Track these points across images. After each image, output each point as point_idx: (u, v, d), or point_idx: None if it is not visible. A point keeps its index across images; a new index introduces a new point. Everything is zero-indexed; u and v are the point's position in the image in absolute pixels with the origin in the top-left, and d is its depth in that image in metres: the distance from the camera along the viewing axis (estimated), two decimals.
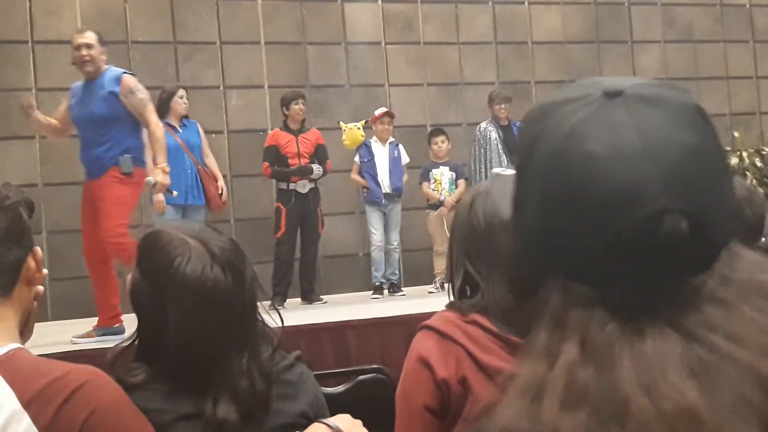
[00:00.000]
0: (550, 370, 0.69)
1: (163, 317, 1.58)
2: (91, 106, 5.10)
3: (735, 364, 0.65)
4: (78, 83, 5.32)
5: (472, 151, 7.85)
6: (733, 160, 9.40)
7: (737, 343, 0.66)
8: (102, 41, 5.24)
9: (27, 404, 1.21)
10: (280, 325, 1.75)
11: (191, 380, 1.58)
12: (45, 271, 1.41)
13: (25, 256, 1.35)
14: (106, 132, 5.07)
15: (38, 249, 1.38)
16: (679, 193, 0.68)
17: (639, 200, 0.68)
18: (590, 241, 0.69)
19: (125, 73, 5.22)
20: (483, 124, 7.81)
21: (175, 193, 5.62)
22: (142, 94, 5.20)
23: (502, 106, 7.74)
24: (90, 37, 5.16)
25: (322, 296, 7.10)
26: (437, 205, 7.44)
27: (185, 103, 6.40)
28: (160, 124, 5.36)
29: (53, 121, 5.37)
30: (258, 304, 1.71)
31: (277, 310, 1.75)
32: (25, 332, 1.38)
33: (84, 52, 5.09)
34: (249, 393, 1.58)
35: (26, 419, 1.20)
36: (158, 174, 5.26)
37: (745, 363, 0.65)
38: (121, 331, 4.97)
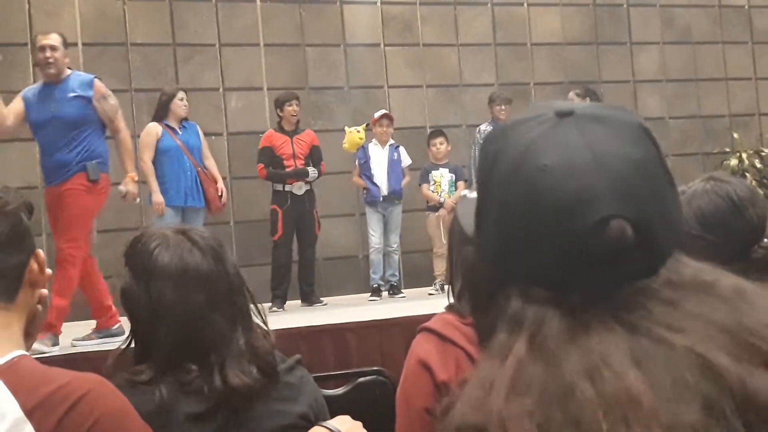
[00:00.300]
0: (502, 365, 0.73)
1: (154, 313, 1.61)
2: (59, 109, 5.00)
3: (676, 350, 0.69)
4: (33, 87, 5.22)
5: (471, 152, 7.86)
6: (733, 162, 9.41)
7: (679, 333, 0.71)
8: (66, 44, 5.19)
9: (30, 413, 1.20)
10: (266, 327, 1.76)
11: (192, 360, 1.61)
12: (48, 271, 1.41)
13: (27, 259, 1.35)
14: (76, 136, 5.00)
15: (40, 252, 1.38)
16: (625, 201, 0.73)
17: (588, 207, 0.73)
18: (544, 247, 0.75)
19: (96, 77, 5.19)
20: (483, 126, 7.82)
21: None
22: (113, 100, 5.19)
23: (503, 107, 7.75)
24: (55, 39, 5.09)
25: (322, 298, 7.10)
26: (437, 206, 7.44)
27: (185, 105, 6.39)
28: (128, 132, 5.35)
29: (3, 108, 5.08)
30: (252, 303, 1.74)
31: (260, 315, 1.75)
32: (30, 334, 1.38)
33: (48, 53, 5.02)
34: (256, 363, 1.63)
35: (29, 428, 1.19)
36: (128, 183, 5.25)
37: (685, 348, 0.69)
38: (121, 332, 4.98)
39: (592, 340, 0.71)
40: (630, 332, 0.71)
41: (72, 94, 5.02)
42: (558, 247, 0.74)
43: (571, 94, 7.61)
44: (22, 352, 1.30)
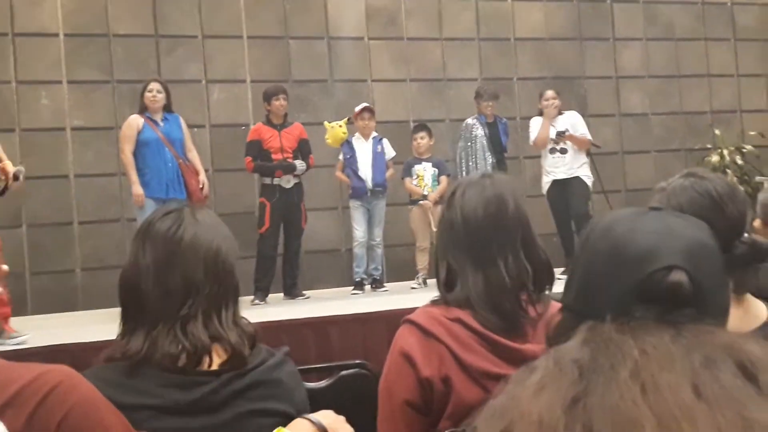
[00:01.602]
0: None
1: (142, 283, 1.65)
2: None
3: (708, 337, 0.85)
4: None
5: (456, 146, 7.82)
6: (714, 158, 9.45)
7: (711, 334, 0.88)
8: None
9: (0, 411, 1.18)
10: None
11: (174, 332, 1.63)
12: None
13: None
14: None
15: None
16: (687, 260, 0.95)
17: (659, 257, 0.95)
18: (617, 284, 0.96)
19: None
20: (469, 120, 7.77)
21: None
22: None
23: (490, 103, 7.72)
24: None
25: (304, 291, 7.09)
26: (419, 200, 7.42)
27: (153, 97, 6.27)
28: None
29: None
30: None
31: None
32: None
33: None
34: (233, 344, 1.66)
35: (0, 426, 1.18)
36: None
37: (719, 339, 0.85)
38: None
39: (640, 330, 0.87)
40: (673, 327, 0.87)
41: None
42: (628, 285, 0.94)
43: (550, 93, 7.61)
44: None
